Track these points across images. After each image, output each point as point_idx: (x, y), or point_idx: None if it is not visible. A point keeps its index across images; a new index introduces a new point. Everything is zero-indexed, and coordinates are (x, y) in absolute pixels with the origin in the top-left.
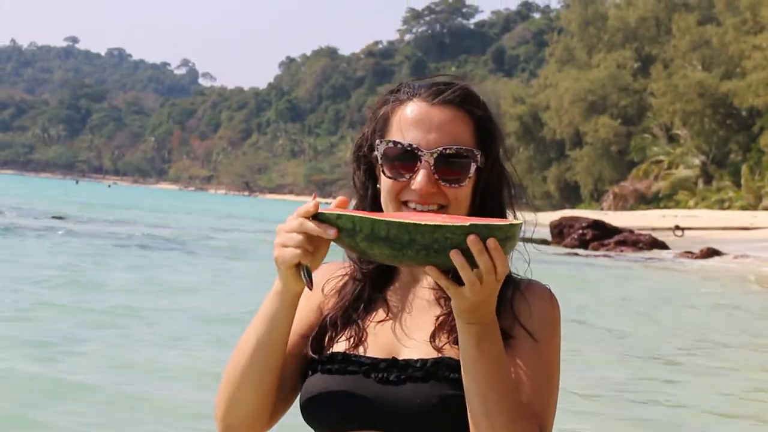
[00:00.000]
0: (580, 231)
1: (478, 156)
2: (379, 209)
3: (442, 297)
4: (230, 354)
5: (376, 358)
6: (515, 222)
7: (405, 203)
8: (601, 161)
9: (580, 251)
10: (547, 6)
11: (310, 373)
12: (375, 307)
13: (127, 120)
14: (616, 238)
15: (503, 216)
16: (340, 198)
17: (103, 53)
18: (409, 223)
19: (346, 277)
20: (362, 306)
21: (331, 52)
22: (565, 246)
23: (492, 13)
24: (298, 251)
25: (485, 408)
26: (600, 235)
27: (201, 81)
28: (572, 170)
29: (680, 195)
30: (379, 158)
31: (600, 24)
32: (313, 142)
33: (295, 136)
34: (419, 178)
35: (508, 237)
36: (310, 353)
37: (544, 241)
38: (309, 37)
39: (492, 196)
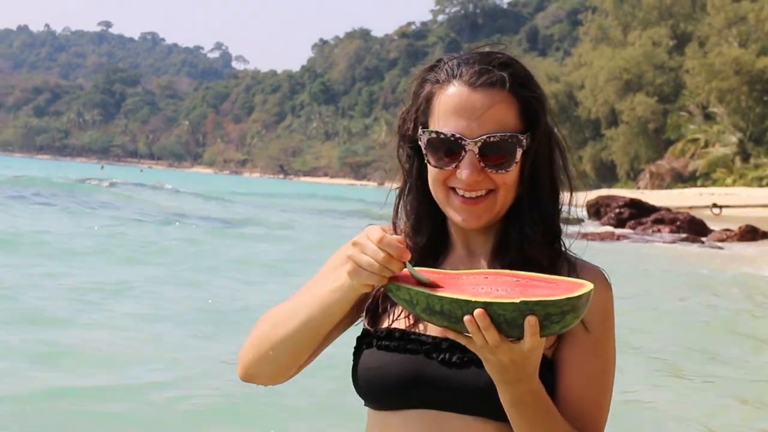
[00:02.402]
0: (617, 210)
1: (523, 140)
2: (425, 184)
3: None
4: (269, 310)
5: (437, 337)
6: (574, 295)
7: (453, 189)
8: (637, 140)
9: (617, 230)
10: None
11: (364, 346)
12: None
13: (161, 104)
14: (654, 216)
15: (555, 190)
16: (399, 237)
17: (136, 37)
18: (460, 300)
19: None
20: None
21: (364, 34)
22: (602, 225)
23: None
24: (375, 277)
25: None
26: (637, 214)
27: (234, 64)
28: (608, 149)
29: (717, 173)
30: (423, 147)
31: (635, 2)
32: (347, 125)
33: (328, 118)
34: (464, 168)
35: (565, 311)
36: (365, 325)
37: (580, 221)
38: (342, 19)
39: (541, 172)
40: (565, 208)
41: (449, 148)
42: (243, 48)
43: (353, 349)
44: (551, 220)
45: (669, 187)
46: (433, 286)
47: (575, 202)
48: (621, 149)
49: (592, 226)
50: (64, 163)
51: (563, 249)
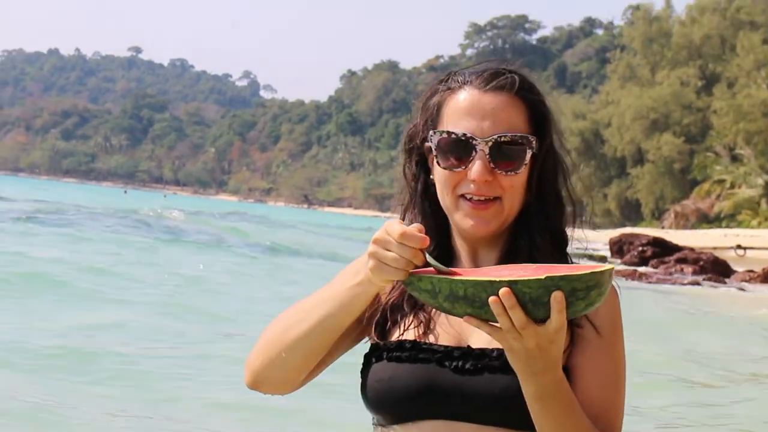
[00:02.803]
0: (640, 248)
1: (534, 142)
2: (430, 201)
3: None
4: (280, 314)
5: (448, 346)
6: (598, 270)
7: (461, 196)
8: (662, 179)
9: (640, 268)
10: (611, 22)
11: (374, 360)
12: None
13: (188, 131)
14: (677, 255)
15: (559, 203)
16: (418, 225)
17: (165, 63)
18: (485, 281)
19: None
20: None
21: (392, 66)
22: (625, 263)
23: (554, 29)
24: (401, 273)
25: None
26: (660, 253)
27: (262, 93)
28: (633, 188)
29: (743, 215)
30: (433, 149)
31: (664, 41)
32: (373, 156)
33: (354, 149)
34: (476, 167)
35: (590, 286)
36: (375, 339)
37: (602, 258)
38: (370, 51)
39: (547, 182)
40: (582, 244)
41: (460, 149)
42: (271, 77)
43: (361, 366)
44: (558, 228)
45: (694, 227)
46: (453, 275)
47: (585, 230)
48: (646, 188)
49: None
50: (90, 186)
51: (571, 262)
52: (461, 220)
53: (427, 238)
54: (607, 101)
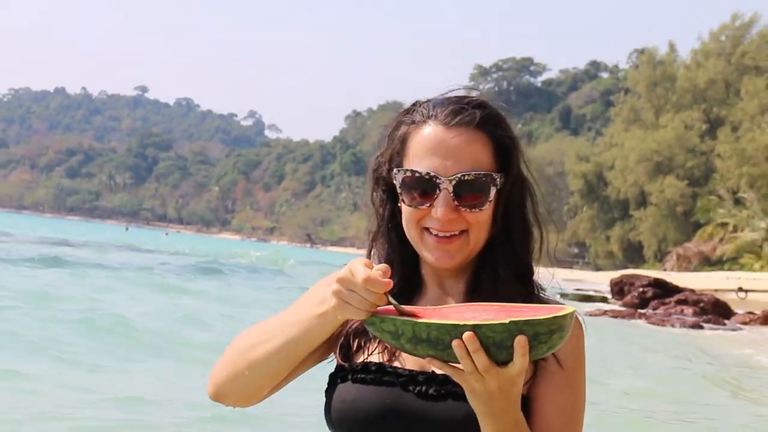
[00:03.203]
0: (641, 289)
1: (498, 179)
2: (397, 230)
3: None
4: (246, 329)
5: (413, 371)
6: (560, 314)
7: (426, 229)
8: (665, 222)
9: (640, 310)
10: (616, 66)
11: (339, 381)
12: None
13: (193, 169)
14: (677, 297)
15: (528, 233)
16: (383, 267)
17: (171, 103)
18: (448, 324)
19: None
20: None
21: (397, 107)
22: (625, 304)
23: (560, 72)
24: (364, 314)
25: None
26: (661, 294)
27: (267, 132)
28: (636, 230)
29: (745, 258)
30: (397, 186)
31: (668, 85)
32: None
33: (358, 189)
34: (439, 207)
35: (552, 330)
36: (340, 361)
37: (603, 299)
38: (376, 92)
39: (513, 214)
40: (546, 278)
41: (424, 187)
42: (276, 117)
43: (326, 386)
44: (523, 261)
45: (696, 269)
46: (415, 316)
47: (551, 247)
48: (649, 230)
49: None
50: (94, 225)
51: (536, 291)
52: (426, 254)
53: (391, 282)
54: (611, 144)
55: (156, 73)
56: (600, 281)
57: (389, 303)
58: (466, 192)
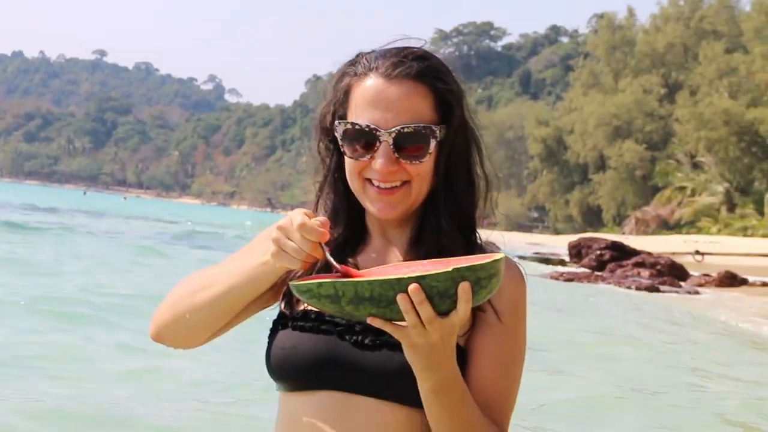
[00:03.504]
0: (598, 252)
1: (437, 131)
2: (343, 180)
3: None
4: (191, 274)
5: (351, 321)
6: (497, 258)
7: (368, 180)
8: (624, 186)
9: (597, 272)
10: (575, 30)
11: (279, 327)
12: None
13: (152, 134)
14: (634, 259)
15: (471, 184)
16: (322, 219)
17: (130, 67)
18: (392, 279)
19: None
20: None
21: None
22: (583, 266)
23: (520, 36)
24: (299, 263)
25: None
26: (618, 257)
27: (227, 97)
28: (595, 194)
29: (703, 222)
30: (339, 138)
31: (627, 49)
32: None
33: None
34: (379, 159)
35: (491, 274)
36: (281, 308)
37: (561, 262)
38: (335, 56)
39: (456, 167)
40: (489, 234)
41: (365, 139)
42: (236, 81)
43: (269, 332)
44: (466, 213)
45: (654, 233)
46: (349, 275)
47: (495, 204)
48: (608, 194)
49: (573, 268)
50: (53, 189)
51: (479, 242)
52: (368, 205)
53: (327, 233)
54: (570, 108)
55: (115, 37)
56: (559, 245)
57: (324, 256)
58: (407, 144)
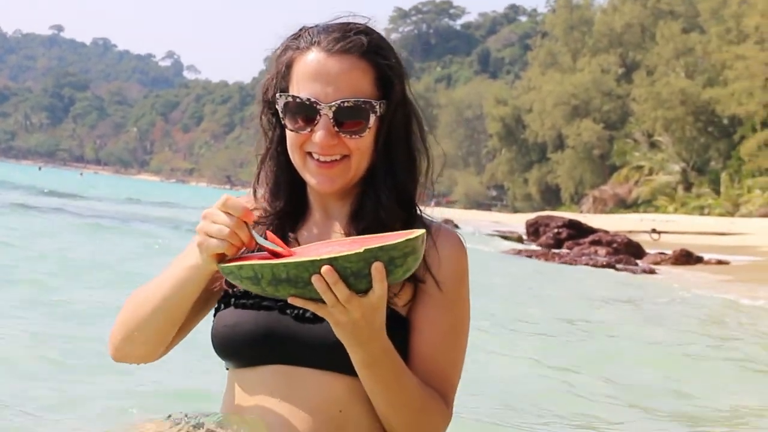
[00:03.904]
0: (556, 230)
1: (377, 106)
2: (284, 150)
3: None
4: (134, 292)
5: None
6: (412, 236)
7: (309, 154)
8: (582, 165)
9: (554, 250)
10: (534, 10)
11: (222, 306)
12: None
13: (110, 110)
14: (591, 237)
15: (411, 159)
16: (245, 209)
17: (88, 42)
18: (306, 261)
19: (257, 213)
20: None
21: None
22: (540, 245)
23: (479, 15)
24: (224, 244)
25: (385, 415)
26: (575, 235)
27: (186, 74)
28: (553, 173)
29: (660, 201)
30: (280, 111)
31: (585, 29)
32: None
33: None
34: (319, 132)
35: (406, 253)
36: (224, 286)
37: (519, 239)
38: (293, 32)
39: (396, 142)
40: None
41: (305, 113)
42: (195, 58)
43: (213, 311)
44: (406, 188)
45: (612, 212)
46: (276, 255)
47: (434, 175)
48: (566, 173)
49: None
50: (8, 165)
51: (419, 213)
52: (309, 178)
53: (252, 212)
54: (528, 87)
55: (72, 12)
56: (517, 223)
57: (251, 235)
58: (346, 118)
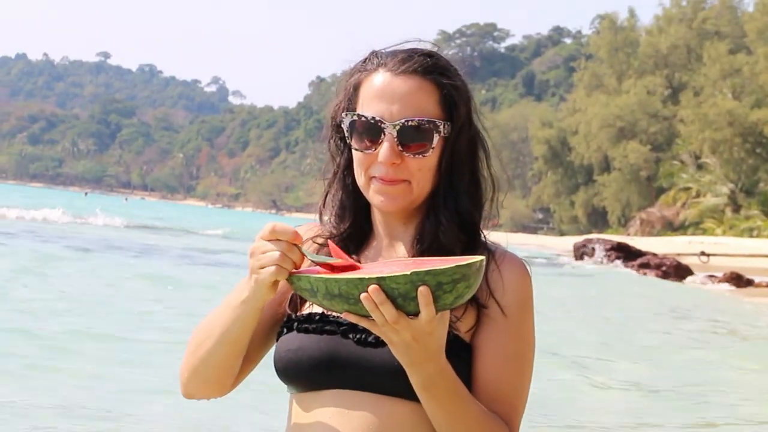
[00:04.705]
0: (604, 252)
1: (441, 126)
2: (351, 174)
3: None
4: (196, 327)
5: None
6: (463, 263)
7: (373, 178)
8: (629, 187)
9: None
10: (579, 32)
11: (285, 330)
12: None
13: (156, 136)
14: (639, 261)
15: (475, 183)
16: (293, 232)
17: (134, 69)
18: (355, 279)
19: (320, 239)
20: None
21: None
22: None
23: (523, 38)
24: (279, 270)
25: None
26: (623, 257)
27: (231, 99)
28: (600, 195)
29: (708, 223)
30: (345, 130)
31: (630, 50)
32: None
33: (323, 155)
34: (383, 150)
35: (456, 279)
36: (287, 310)
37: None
38: (339, 57)
39: (460, 163)
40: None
41: (370, 131)
42: (240, 83)
43: (276, 335)
44: (468, 212)
45: (659, 234)
46: (334, 270)
47: (500, 201)
48: (613, 196)
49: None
50: (57, 191)
51: (483, 240)
52: (373, 197)
53: (300, 234)
54: (574, 109)
55: (118, 39)
56: (564, 246)
57: (304, 257)
58: (410, 137)
